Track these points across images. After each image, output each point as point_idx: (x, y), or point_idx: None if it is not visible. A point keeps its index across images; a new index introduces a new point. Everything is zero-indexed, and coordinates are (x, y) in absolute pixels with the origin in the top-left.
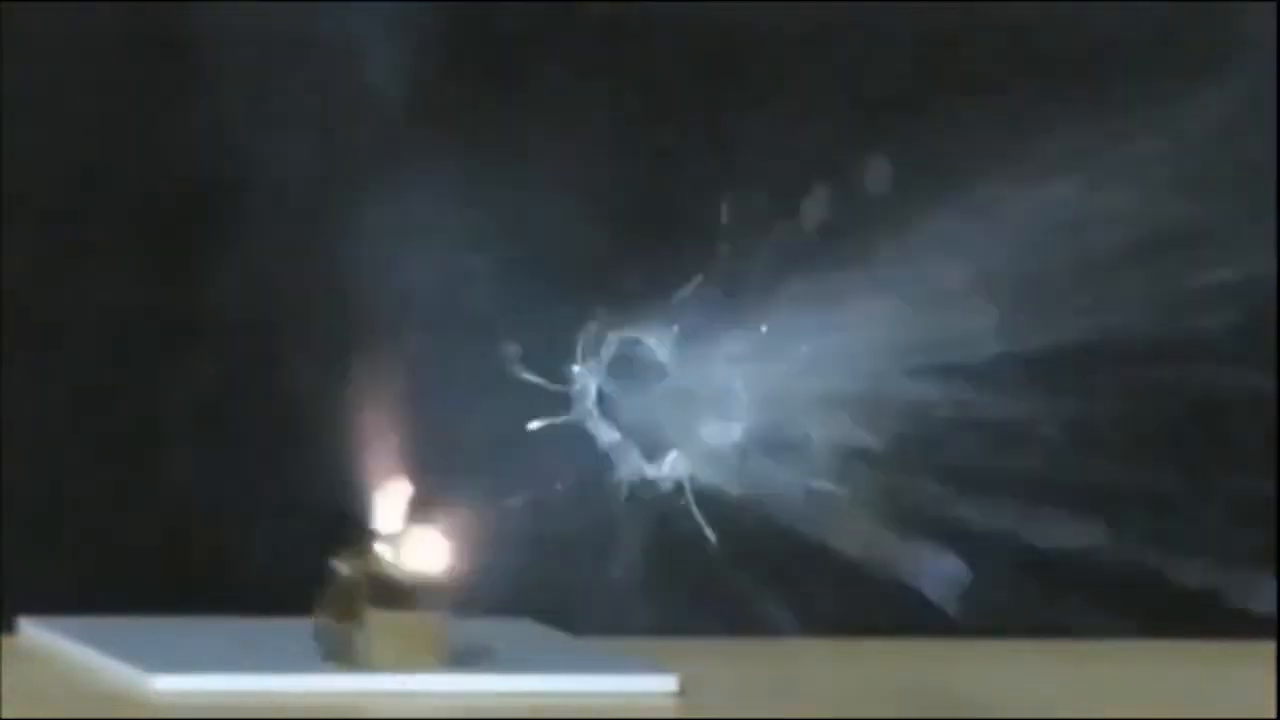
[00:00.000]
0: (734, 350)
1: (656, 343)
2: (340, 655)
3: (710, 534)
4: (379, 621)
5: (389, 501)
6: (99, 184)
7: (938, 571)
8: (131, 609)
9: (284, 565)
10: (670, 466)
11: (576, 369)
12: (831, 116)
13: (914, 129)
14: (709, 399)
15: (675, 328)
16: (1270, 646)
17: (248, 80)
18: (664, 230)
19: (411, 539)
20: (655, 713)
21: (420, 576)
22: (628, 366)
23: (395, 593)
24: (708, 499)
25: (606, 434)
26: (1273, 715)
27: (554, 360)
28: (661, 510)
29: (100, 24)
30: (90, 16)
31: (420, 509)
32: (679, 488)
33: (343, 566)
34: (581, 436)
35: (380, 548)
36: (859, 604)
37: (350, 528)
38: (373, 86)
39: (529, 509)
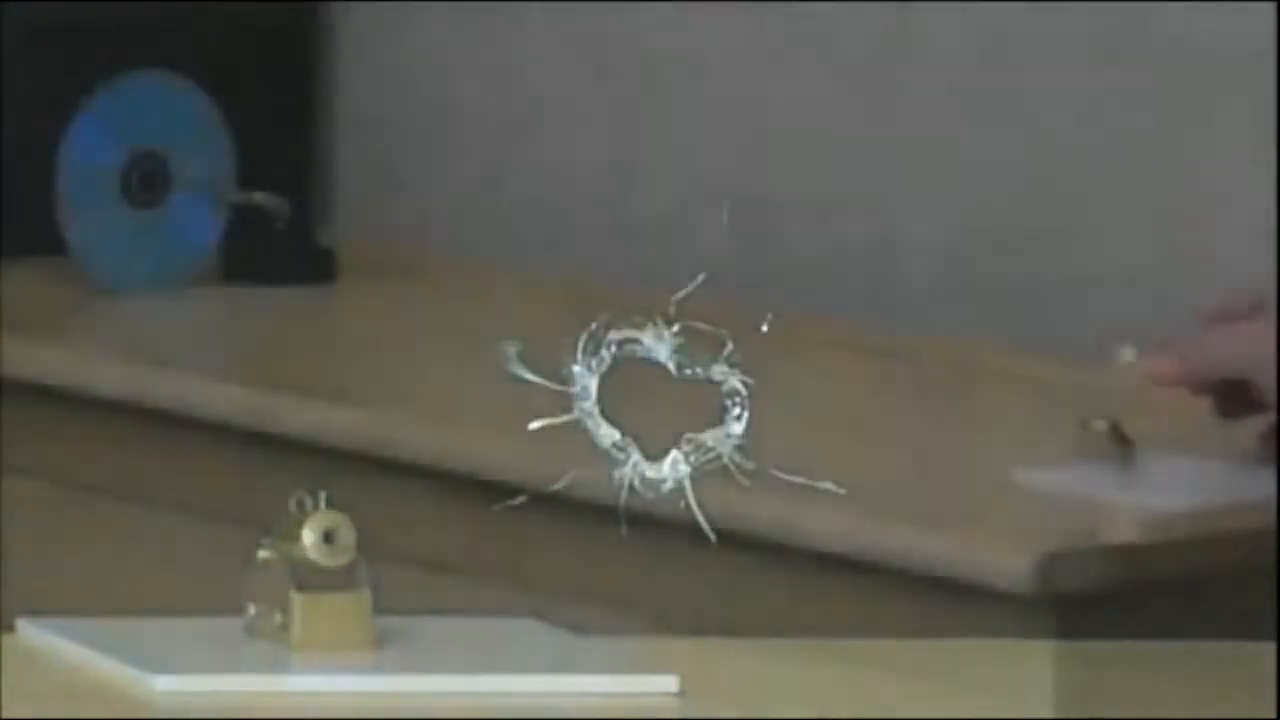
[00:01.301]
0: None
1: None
2: (269, 639)
3: (711, 534)
4: (304, 604)
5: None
6: None
7: None
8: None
9: None
10: (670, 467)
11: (576, 369)
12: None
13: None
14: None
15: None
16: (1270, 647)
17: None
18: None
19: (330, 522)
20: (655, 713)
21: (343, 559)
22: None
23: (320, 575)
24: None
25: (606, 434)
26: (1273, 715)
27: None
28: (661, 510)
29: None
30: None
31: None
32: (679, 488)
33: (267, 551)
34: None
35: (305, 532)
36: (861, 604)
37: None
38: None
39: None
